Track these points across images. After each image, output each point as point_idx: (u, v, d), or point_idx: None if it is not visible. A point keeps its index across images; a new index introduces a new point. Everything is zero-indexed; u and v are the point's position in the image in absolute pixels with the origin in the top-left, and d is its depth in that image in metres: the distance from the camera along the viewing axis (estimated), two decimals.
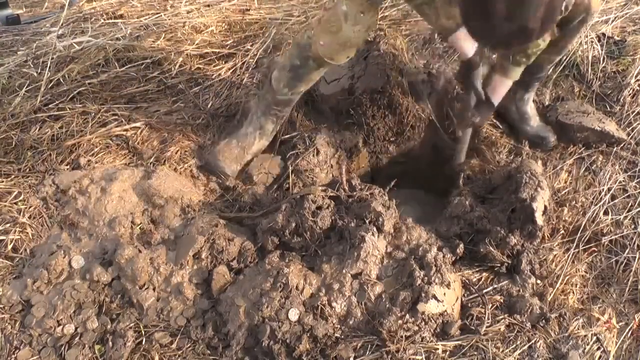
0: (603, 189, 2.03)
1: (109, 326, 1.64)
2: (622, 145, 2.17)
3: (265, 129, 2.13)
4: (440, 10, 1.71)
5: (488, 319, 1.62)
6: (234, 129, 2.21)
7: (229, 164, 2.08)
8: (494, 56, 2.10)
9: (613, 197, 2.02)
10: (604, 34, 2.60)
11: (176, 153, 2.11)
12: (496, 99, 2.02)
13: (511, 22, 1.29)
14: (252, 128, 2.13)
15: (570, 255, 1.85)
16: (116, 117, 2.24)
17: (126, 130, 2.19)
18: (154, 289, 1.69)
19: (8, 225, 1.84)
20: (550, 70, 2.44)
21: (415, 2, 1.77)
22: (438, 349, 1.54)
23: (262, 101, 2.12)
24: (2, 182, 1.98)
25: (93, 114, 2.24)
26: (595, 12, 1.93)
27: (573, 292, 1.76)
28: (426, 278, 1.62)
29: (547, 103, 2.39)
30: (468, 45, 1.83)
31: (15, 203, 1.91)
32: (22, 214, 1.87)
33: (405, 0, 2.06)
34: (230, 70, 2.53)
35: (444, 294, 1.61)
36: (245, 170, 2.10)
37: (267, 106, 2.10)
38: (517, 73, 1.99)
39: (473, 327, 1.60)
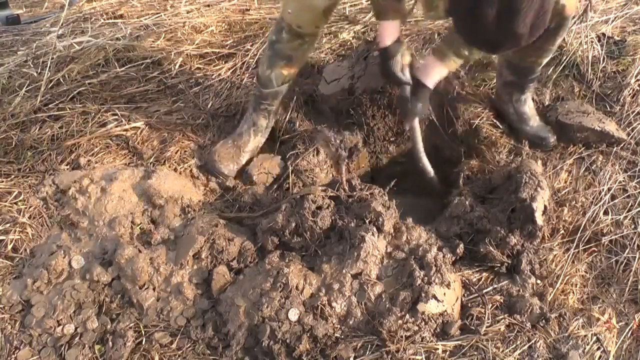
0: (603, 189, 2.03)
1: (109, 326, 1.64)
2: (622, 145, 2.17)
3: (258, 125, 2.14)
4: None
5: (488, 319, 1.62)
6: (233, 129, 2.22)
7: (225, 164, 2.08)
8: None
9: (613, 197, 2.02)
10: (604, 34, 2.60)
11: (176, 153, 2.11)
12: (429, 81, 1.96)
13: (500, 27, 1.29)
14: (246, 126, 2.15)
15: (570, 255, 1.85)
16: (116, 117, 2.24)
17: (126, 130, 2.19)
18: (154, 289, 1.69)
19: (8, 225, 1.84)
20: (550, 70, 2.44)
21: (431, 17, 1.79)
22: (438, 349, 1.54)
23: (252, 97, 2.14)
24: (2, 182, 1.98)
25: (93, 114, 2.24)
26: (570, 15, 1.91)
27: (573, 292, 1.76)
28: (426, 278, 1.62)
29: (547, 103, 2.39)
30: (389, 34, 1.85)
31: (15, 203, 1.91)
32: (22, 214, 1.87)
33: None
34: (230, 70, 2.53)
35: (444, 294, 1.61)
36: (245, 170, 2.10)
37: (256, 101, 2.12)
38: (454, 64, 1.93)
39: (473, 327, 1.60)
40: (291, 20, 1.86)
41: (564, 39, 2.57)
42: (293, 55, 1.99)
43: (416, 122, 2.10)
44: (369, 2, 2.85)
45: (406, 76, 1.96)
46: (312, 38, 1.98)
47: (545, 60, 2.14)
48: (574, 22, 2.63)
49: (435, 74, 1.98)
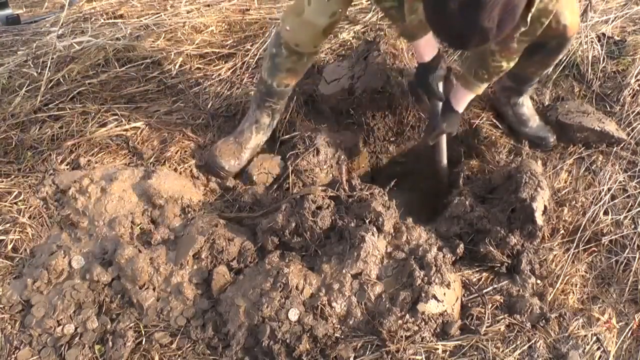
0: (603, 189, 2.03)
1: (109, 326, 1.64)
2: (622, 145, 2.17)
3: (260, 122, 2.12)
4: (406, 4, 1.70)
5: (488, 319, 1.62)
6: (233, 129, 2.21)
7: (227, 159, 2.07)
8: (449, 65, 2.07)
9: (613, 197, 2.02)
10: (604, 34, 2.60)
11: (176, 153, 2.11)
12: (460, 107, 2.00)
13: (464, 20, 1.27)
14: (248, 123, 2.13)
15: (570, 255, 1.85)
16: (116, 117, 2.24)
17: (126, 130, 2.19)
18: (154, 289, 1.69)
19: (8, 225, 1.84)
20: (550, 70, 2.44)
21: (383, 4, 1.77)
22: (438, 349, 1.54)
23: (257, 94, 2.11)
24: (2, 182, 1.98)
25: (93, 114, 2.24)
26: (572, 36, 1.90)
27: (573, 292, 1.76)
28: (426, 278, 1.62)
29: (547, 103, 2.39)
30: (427, 51, 1.84)
31: (15, 203, 1.91)
32: (22, 214, 1.87)
33: (375, 2, 2.03)
34: (230, 70, 2.53)
35: (444, 294, 1.61)
36: (245, 170, 2.10)
37: (260, 98, 2.09)
38: (479, 88, 1.96)
39: (473, 327, 1.60)
40: (289, 38, 1.83)
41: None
42: (293, 68, 1.98)
43: (442, 138, 2.11)
44: (369, 3, 2.84)
45: (441, 91, 1.97)
46: (311, 55, 1.96)
47: (545, 72, 2.14)
48: None
49: (464, 100, 2.00)
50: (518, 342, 1.59)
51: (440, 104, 2.01)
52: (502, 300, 1.71)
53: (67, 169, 2.04)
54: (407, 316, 1.56)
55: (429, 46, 1.85)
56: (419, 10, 1.57)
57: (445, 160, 2.16)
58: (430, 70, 1.90)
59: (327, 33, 1.87)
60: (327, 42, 2.69)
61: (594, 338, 1.64)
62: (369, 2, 2.85)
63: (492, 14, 1.23)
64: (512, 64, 1.86)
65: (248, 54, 2.59)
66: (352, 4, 2.94)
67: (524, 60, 1.97)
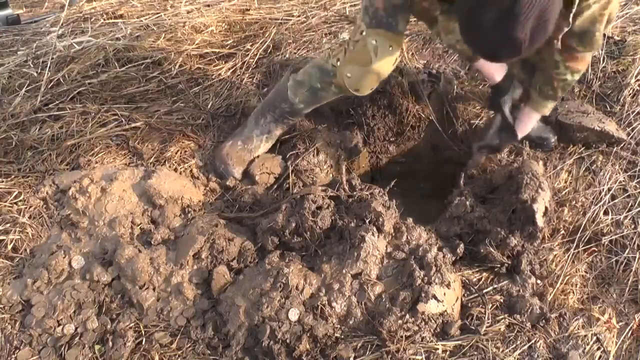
0: (603, 189, 2.03)
1: (109, 326, 1.64)
2: (622, 145, 2.17)
3: (273, 134, 2.12)
4: (440, 26, 1.73)
5: (488, 319, 1.62)
6: (237, 129, 2.21)
7: (237, 168, 2.08)
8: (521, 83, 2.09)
9: (613, 197, 2.02)
10: (604, 34, 2.60)
11: (176, 153, 2.11)
12: (520, 131, 2.04)
13: (499, 31, 1.29)
14: (258, 131, 2.11)
15: (570, 255, 1.85)
16: (116, 117, 2.24)
17: (126, 130, 2.19)
18: (154, 289, 1.69)
19: (8, 225, 1.84)
20: None
21: (448, 41, 1.83)
22: (438, 349, 1.54)
23: (276, 109, 2.07)
24: (2, 182, 1.98)
25: (93, 114, 2.24)
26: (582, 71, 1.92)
27: (573, 292, 1.76)
28: (426, 278, 1.62)
29: None
30: (497, 72, 1.87)
31: (15, 203, 1.91)
32: (22, 214, 1.87)
33: (440, 40, 2.07)
34: (230, 70, 2.53)
35: (444, 294, 1.61)
36: (247, 171, 2.10)
37: (281, 115, 2.07)
38: (546, 108, 1.99)
39: (473, 327, 1.60)
40: (349, 84, 1.81)
41: None
42: (332, 101, 2.01)
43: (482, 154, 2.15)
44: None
45: (509, 116, 2.01)
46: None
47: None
48: None
49: (528, 123, 2.05)
50: (518, 342, 1.58)
51: (500, 119, 2.04)
52: (502, 300, 1.71)
53: (67, 169, 2.04)
54: (407, 316, 1.56)
55: (493, 66, 1.88)
56: (456, 30, 1.59)
57: (471, 171, 2.18)
58: (500, 92, 1.92)
59: (386, 78, 1.88)
60: (327, 42, 2.69)
61: (594, 338, 1.64)
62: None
63: (526, 25, 1.27)
64: (576, 77, 1.86)
65: (248, 54, 2.59)
66: (353, 4, 2.95)
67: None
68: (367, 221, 1.73)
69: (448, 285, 1.63)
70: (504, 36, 1.30)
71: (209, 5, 3.00)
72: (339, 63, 1.81)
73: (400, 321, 1.55)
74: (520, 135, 2.05)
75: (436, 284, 1.61)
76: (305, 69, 1.98)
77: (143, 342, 1.62)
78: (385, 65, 1.74)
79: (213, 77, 2.50)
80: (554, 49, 1.79)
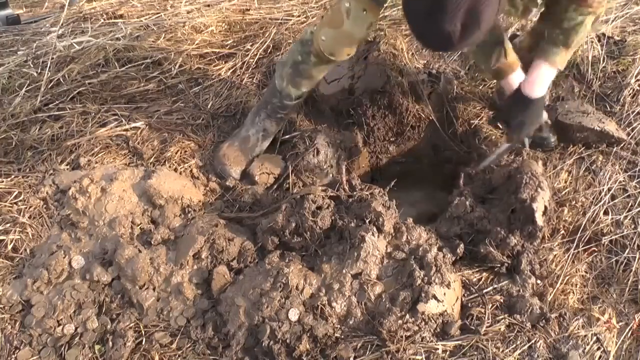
0: (603, 189, 2.03)
1: (109, 326, 1.64)
2: (622, 145, 2.17)
3: (268, 131, 2.13)
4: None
5: (488, 319, 1.62)
6: (235, 130, 2.21)
7: (235, 168, 2.08)
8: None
9: (613, 197, 2.02)
10: (604, 34, 2.60)
11: (176, 153, 2.11)
12: (530, 89, 1.81)
13: (429, 23, 1.30)
14: (254, 130, 2.12)
15: (570, 255, 1.85)
16: (116, 117, 2.24)
17: (126, 130, 2.19)
18: (154, 289, 1.69)
19: (8, 225, 1.84)
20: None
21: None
22: (438, 349, 1.54)
23: (268, 105, 2.10)
24: (2, 182, 1.98)
25: (93, 114, 2.24)
26: (601, 12, 1.77)
27: (573, 292, 1.76)
28: (426, 278, 1.62)
29: (547, 103, 2.39)
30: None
31: (15, 203, 1.91)
32: (22, 214, 1.87)
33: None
34: (230, 70, 2.53)
35: (444, 294, 1.61)
36: (247, 171, 2.10)
37: (273, 110, 2.09)
38: (557, 56, 1.77)
39: (473, 327, 1.60)
40: (324, 47, 1.83)
41: None
42: (315, 75, 2.00)
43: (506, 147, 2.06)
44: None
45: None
46: (341, 61, 1.97)
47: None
48: None
49: (540, 78, 1.83)
50: (518, 342, 1.58)
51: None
52: (502, 300, 1.71)
53: (67, 169, 2.04)
54: (407, 316, 1.56)
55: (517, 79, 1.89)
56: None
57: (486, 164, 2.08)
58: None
59: (361, 43, 1.90)
60: None
61: (594, 338, 1.64)
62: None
63: (455, 19, 1.26)
64: (588, 21, 1.71)
65: (248, 54, 2.59)
66: None
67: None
68: (367, 221, 1.73)
69: (448, 285, 1.63)
70: (433, 28, 1.30)
71: (209, 5, 3.00)
72: (315, 28, 1.85)
73: (400, 321, 1.55)
74: (537, 93, 1.80)
75: (436, 284, 1.61)
76: (289, 49, 2.01)
77: (143, 342, 1.62)
78: (357, 27, 1.75)
79: (213, 77, 2.50)
80: None
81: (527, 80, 1.85)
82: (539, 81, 1.82)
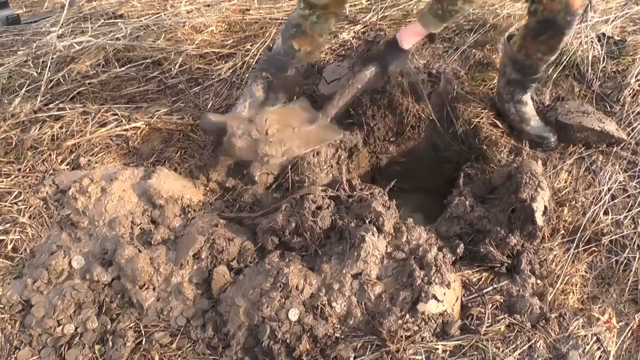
0: (603, 189, 2.03)
1: (109, 326, 1.64)
2: (622, 145, 2.17)
3: (255, 97, 2.13)
4: None
5: (488, 319, 1.62)
6: None
7: (217, 116, 2.07)
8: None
9: (613, 197, 2.02)
10: (604, 34, 2.60)
11: (176, 153, 2.11)
12: (403, 39, 1.98)
13: None
14: (242, 99, 2.16)
15: (570, 255, 1.85)
16: (116, 117, 2.24)
17: (126, 130, 2.19)
18: (154, 289, 1.69)
19: (8, 225, 1.84)
20: (550, 70, 2.44)
21: None
22: (438, 348, 1.54)
23: (257, 67, 2.15)
24: (2, 182, 1.98)
25: (93, 114, 2.24)
26: (576, 10, 1.91)
27: (573, 292, 1.76)
28: (426, 278, 1.62)
29: (547, 103, 2.39)
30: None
31: (15, 203, 1.91)
32: (22, 214, 1.87)
33: None
34: (230, 70, 2.53)
35: (444, 294, 1.61)
36: (247, 171, 2.10)
37: (259, 69, 2.13)
38: (431, 25, 1.93)
39: (473, 327, 1.60)
40: None
41: None
42: (302, 24, 2.03)
43: (365, 75, 2.07)
44: (369, 3, 2.85)
45: None
46: (321, 15, 2.00)
47: (550, 59, 2.15)
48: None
49: (412, 35, 1.98)
50: (518, 342, 1.58)
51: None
52: (502, 300, 1.71)
53: (67, 169, 2.04)
54: (407, 316, 1.56)
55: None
56: None
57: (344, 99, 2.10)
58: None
59: None
60: (327, 42, 2.69)
61: (594, 338, 1.64)
62: (369, 2, 2.86)
63: None
64: (467, 7, 1.86)
65: (248, 54, 2.59)
66: (353, 4, 2.96)
67: (529, 43, 2.06)
68: (367, 221, 1.73)
69: (448, 285, 1.63)
70: None
71: (209, 5, 3.00)
72: None
73: (400, 321, 1.55)
74: (405, 46, 1.99)
75: (436, 284, 1.61)
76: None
77: (143, 342, 1.62)
78: None
79: (213, 77, 2.50)
80: None
81: (402, 33, 2.01)
82: (409, 38, 1.99)
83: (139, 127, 2.20)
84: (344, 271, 1.63)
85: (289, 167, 2.04)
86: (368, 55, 2.07)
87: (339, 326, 1.58)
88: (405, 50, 2.00)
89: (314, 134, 2.00)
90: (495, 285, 1.76)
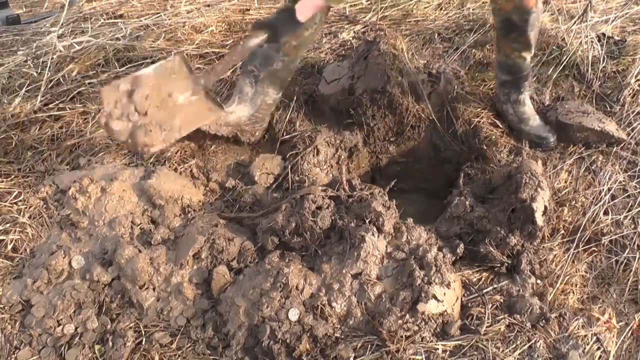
0: (603, 189, 2.03)
1: (109, 326, 1.64)
2: (622, 145, 2.17)
3: (244, 92, 2.11)
4: None
5: (488, 319, 1.62)
6: None
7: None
8: None
9: (613, 197, 2.02)
10: (604, 34, 2.60)
11: (176, 153, 2.11)
12: (301, 14, 1.85)
13: None
14: (233, 96, 2.14)
15: (570, 255, 1.85)
16: None
17: None
18: (154, 289, 1.69)
19: (8, 225, 1.84)
20: (550, 70, 2.44)
21: None
22: (438, 349, 1.54)
23: (244, 65, 2.11)
24: (2, 182, 1.98)
25: (93, 114, 2.24)
26: (530, 6, 1.95)
27: (573, 292, 1.76)
28: (426, 278, 1.62)
29: (547, 103, 2.39)
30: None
31: (15, 203, 1.91)
32: (22, 214, 1.87)
33: None
34: (231, 70, 2.53)
35: (444, 294, 1.61)
36: (247, 171, 2.10)
37: (245, 64, 2.10)
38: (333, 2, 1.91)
39: (473, 327, 1.60)
40: None
41: (563, 39, 2.58)
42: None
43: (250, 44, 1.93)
44: (369, 3, 2.85)
45: None
46: None
47: (528, 56, 2.17)
48: (574, 22, 2.63)
49: (309, 11, 1.85)
50: (518, 342, 1.58)
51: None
52: (502, 300, 1.71)
53: (67, 169, 2.04)
54: (407, 316, 1.56)
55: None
56: None
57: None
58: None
59: None
60: (327, 42, 2.69)
61: (594, 338, 1.64)
62: (369, 2, 2.86)
63: None
64: None
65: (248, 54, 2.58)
66: (353, 4, 2.95)
67: (502, 42, 2.12)
68: (367, 221, 1.73)
69: (448, 285, 1.63)
70: None
71: (209, 5, 3.00)
72: None
73: (400, 321, 1.55)
74: (300, 18, 1.86)
75: (436, 284, 1.61)
76: None
77: (143, 342, 1.62)
78: None
79: None
80: None
81: (301, 3, 1.88)
82: (307, 10, 1.85)
83: None
84: (344, 271, 1.63)
85: (289, 167, 2.05)
86: (260, 22, 1.95)
87: (339, 326, 1.58)
88: (300, 23, 1.88)
89: (194, 109, 1.79)
90: (495, 285, 1.76)
